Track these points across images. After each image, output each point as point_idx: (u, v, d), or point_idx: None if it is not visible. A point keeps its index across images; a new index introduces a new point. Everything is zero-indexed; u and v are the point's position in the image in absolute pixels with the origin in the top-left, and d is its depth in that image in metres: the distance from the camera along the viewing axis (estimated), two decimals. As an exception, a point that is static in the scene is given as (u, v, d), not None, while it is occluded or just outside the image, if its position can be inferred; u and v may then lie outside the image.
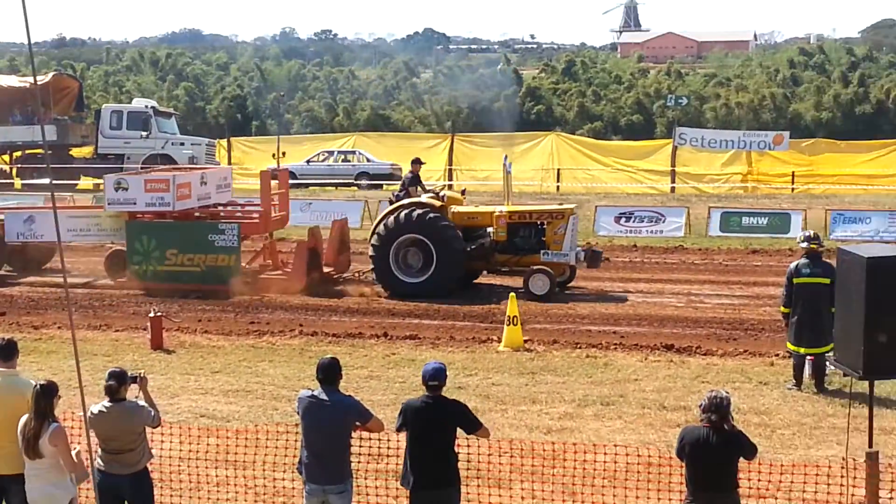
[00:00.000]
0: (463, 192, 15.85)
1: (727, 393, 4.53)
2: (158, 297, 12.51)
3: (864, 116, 33.03)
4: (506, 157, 15.02)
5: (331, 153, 27.12)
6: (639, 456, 5.84)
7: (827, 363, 7.82)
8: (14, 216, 14.28)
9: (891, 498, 4.91)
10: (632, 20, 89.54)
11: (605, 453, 5.95)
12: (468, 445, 5.30)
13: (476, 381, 9.11)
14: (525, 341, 10.56)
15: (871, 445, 4.78)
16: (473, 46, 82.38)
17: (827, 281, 7.91)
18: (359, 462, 5.48)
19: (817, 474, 5.39)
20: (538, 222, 13.66)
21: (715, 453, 4.33)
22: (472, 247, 13.45)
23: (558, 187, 24.88)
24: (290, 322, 12.03)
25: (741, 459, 4.50)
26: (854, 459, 4.86)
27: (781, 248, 17.36)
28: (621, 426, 7.79)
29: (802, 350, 8.70)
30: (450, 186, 20.37)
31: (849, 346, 4.91)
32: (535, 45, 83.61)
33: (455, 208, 13.66)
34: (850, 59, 41.60)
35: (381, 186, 24.39)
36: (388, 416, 5.50)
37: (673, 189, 24.71)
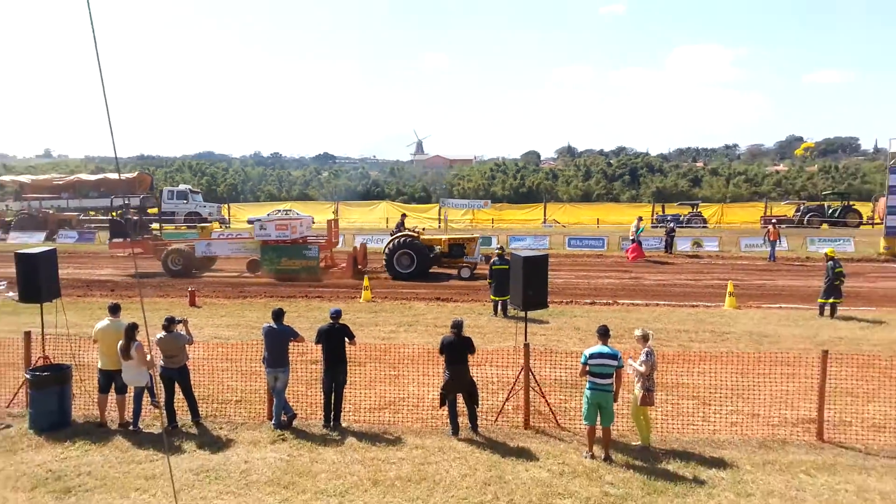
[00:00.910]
0: (423, 230, 27.35)
1: (462, 318, 10.03)
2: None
3: (525, 193, 61.42)
4: (441, 207, 25.37)
5: (279, 211, 43.31)
6: (426, 350, 11.94)
7: (508, 303, 15.03)
8: (200, 243, 24.95)
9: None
10: (420, 148, 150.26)
11: (411, 348, 12.05)
12: (355, 350, 10.83)
13: (349, 316, 15.67)
14: (372, 297, 19.33)
15: (525, 339, 11.21)
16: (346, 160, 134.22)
17: (507, 267, 15.15)
18: (293, 356, 10.68)
19: (504, 356, 12.01)
20: (462, 243, 24.42)
21: (457, 347, 9.59)
22: (433, 255, 23.85)
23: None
24: (261, 291, 21.31)
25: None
26: (518, 348, 11.42)
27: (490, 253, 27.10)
28: (417, 336, 14.60)
29: (497, 298, 16.87)
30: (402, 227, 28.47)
31: (517, 295, 11.09)
32: (374, 160, 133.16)
33: (423, 236, 24.88)
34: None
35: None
36: (311, 335, 10.83)
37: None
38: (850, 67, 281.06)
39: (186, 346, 9.93)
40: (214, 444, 9.19)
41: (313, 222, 28.05)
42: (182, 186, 48.98)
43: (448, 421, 9.47)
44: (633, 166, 72.28)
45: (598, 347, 8.58)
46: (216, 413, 10.31)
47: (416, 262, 23.58)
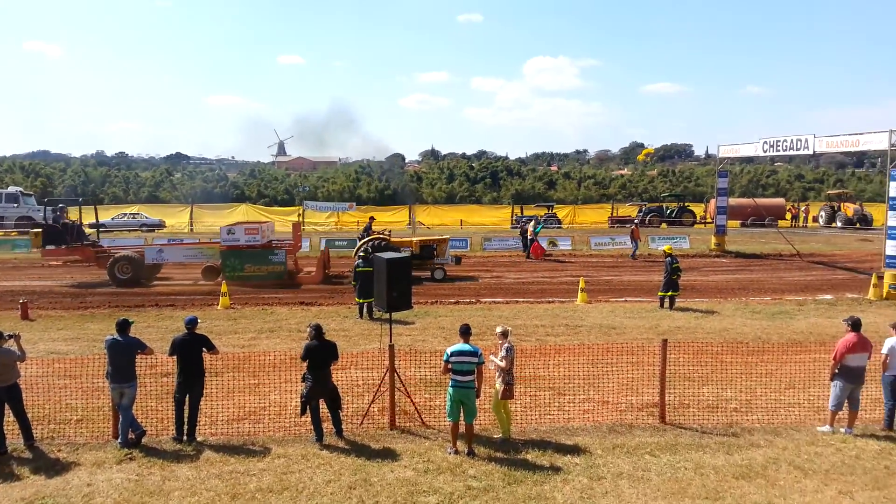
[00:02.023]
0: (390, 233, 26.03)
1: (319, 323, 9.62)
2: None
3: (391, 195, 61.09)
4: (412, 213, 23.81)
5: (125, 214, 43.84)
6: (289, 356, 11.62)
7: (373, 305, 14.97)
8: (150, 249, 23.80)
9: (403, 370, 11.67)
10: (282, 150, 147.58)
11: (273, 355, 11.67)
12: (212, 360, 10.29)
13: (206, 325, 14.80)
14: (231, 304, 18.73)
15: (391, 340, 11.25)
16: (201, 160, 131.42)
17: (371, 269, 15.04)
18: (142, 370, 9.97)
19: (369, 358, 11.94)
20: (433, 244, 24.29)
21: (319, 352, 9.24)
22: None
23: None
24: (105, 301, 19.76)
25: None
26: (383, 349, 11.40)
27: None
28: (280, 342, 14.11)
29: (362, 300, 16.70)
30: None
31: (382, 297, 11.14)
32: (233, 161, 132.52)
33: (394, 238, 24.36)
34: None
35: (153, 230, 41.53)
36: (163, 347, 10.16)
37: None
38: (683, 81, 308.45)
39: (18, 362, 8.98)
40: (52, 467, 8.39)
41: (164, 226, 26.49)
42: (12, 188, 44.54)
43: (312, 428, 9.26)
44: (493, 169, 74.70)
45: (460, 345, 8.76)
46: (53, 434, 9.42)
47: None
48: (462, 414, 8.73)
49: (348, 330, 15.60)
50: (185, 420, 9.23)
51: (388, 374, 9.75)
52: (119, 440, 9.03)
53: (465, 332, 8.88)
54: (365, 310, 16.93)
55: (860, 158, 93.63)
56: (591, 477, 8.10)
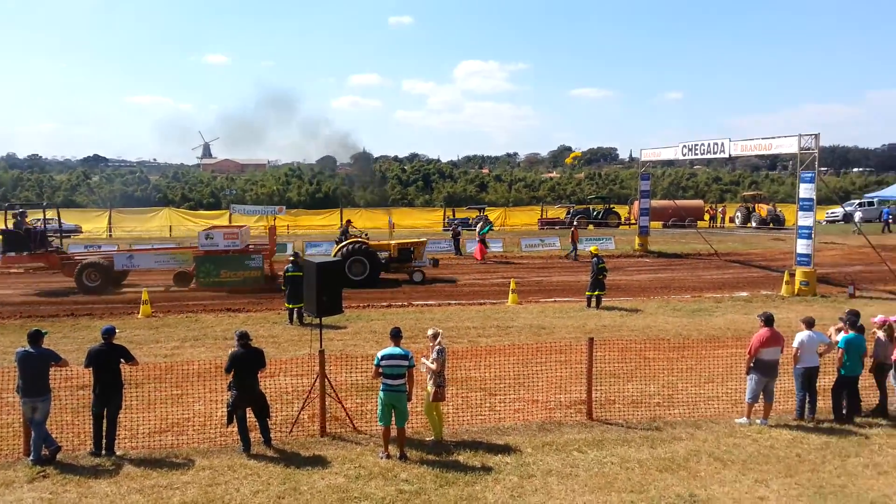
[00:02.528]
0: (367, 236, 25.47)
1: (246, 330, 9.42)
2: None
3: (322, 198, 61.11)
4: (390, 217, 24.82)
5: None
6: (215, 364, 11.27)
7: (304, 311, 14.72)
8: (119, 255, 23.10)
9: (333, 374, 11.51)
10: (207, 152, 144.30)
11: (197, 364, 11.30)
12: (132, 371, 9.86)
13: (125, 334, 14.39)
14: (152, 312, 17.94)
15: (321, 345, 11.09)
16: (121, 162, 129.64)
17: (301, 273, 14.86)
18: (56, 382, 9.47)
19: (299, 364, 11.73)
20: (411, 247, 24.26)
21: (246, 360, 8.96)
22: (383, 260, 23.39)
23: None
24: (15, 311, 18.69)
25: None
26: (313, 355, 11.22)
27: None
28: (205, 350, 13.70)
29: (292, 305, 16.47)
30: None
31: (312, 302, 10.96)
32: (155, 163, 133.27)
33: (372, 241, 23.98)
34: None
35: (69, 236, 36.79)
36: (79, 358, 9.68)
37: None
38: (608, 86, 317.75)
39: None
40: (-47, 492, 7.85)
41: (80, 231, 25.31)
42: None
43: (239, 438, 9.02)
44: (425, 172, 74.96)
45: (390, 349, 8.72)
46: (-44, 456, 8.83)
47: (368, 269, 22.82)
48: (393, 418, 8.69)
49: (278, 336, 15.28)
50: (104, 434, 8.83)
51: (318, 380, 9.60)
52: (31, 457, 8.55)
53: (396, 336, 8.85)
54: (295, 315, 16.64)
55: (773, 161, 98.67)
56: (521, 475, 8.21)
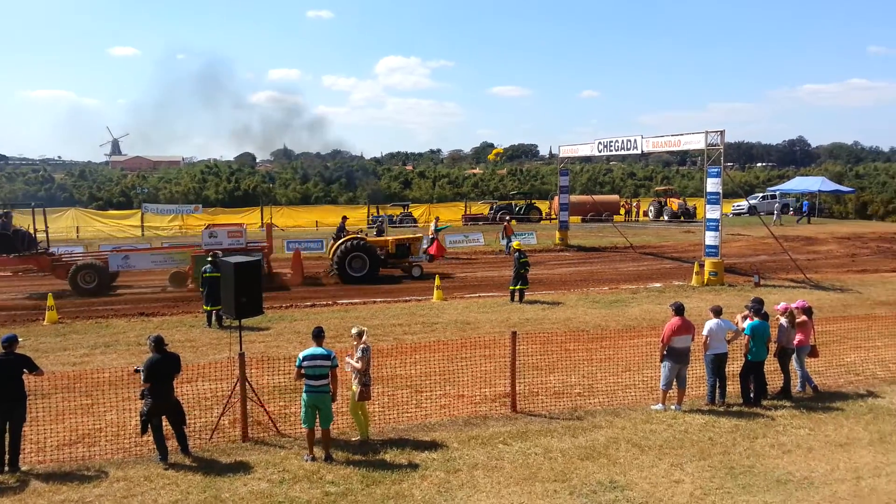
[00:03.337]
0: (366, 234, 25.56)
1: (160, 334, 8.96)
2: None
3: (241, 196, 59.57)
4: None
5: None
6: (129, 372, 10.75)
7: (222, 313, 14.28)
8: (114, 256, 22.40)
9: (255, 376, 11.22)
10: (117, 148, 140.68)
11: (109, 371, 10.78)
12: (37, 381, 9.29)
13: (29, 343, 14.03)
14: (59, 318, 17.08)
15: (241, 348, 10.77)
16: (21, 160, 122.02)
17: (219, 274, 14.41)
18: None
19: (219, 368, 11.37)
20: (408, 243, 24.65)
21: (161, 366, 8.54)
22: (381, 256, 23.52)
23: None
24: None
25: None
26: (233, 358, 10.89)
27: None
28: (117, 357, 13.11)
29: (210, 308, 16.07)
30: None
31: (229, 304, 10.51)
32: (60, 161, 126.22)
33: (369, 238, 24.14)
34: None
35: None
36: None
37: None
38: (527, 85, 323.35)
39: None
40: None
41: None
42: None
43: (155, 447, 8.66)
44: (348, 169, 74.10)
45: (312, 349, 8.59)
46: None
47: (368, 265, 23.01)
48: (318, 419, 8.56)
49: (196, 340, 14.77)
50: (6, 449, 8.30)
51: (238, 383, 9.34)
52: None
53: (318, 336, 8.73)
54: (213, 318, 16.13)
55: (683, 157, 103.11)
56: (448, 470, 8.26)
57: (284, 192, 63.90)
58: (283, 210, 50.23)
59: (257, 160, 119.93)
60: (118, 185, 64.56)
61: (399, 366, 12.27)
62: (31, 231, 22.44)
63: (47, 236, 23.42)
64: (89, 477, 8.14)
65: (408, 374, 11.81)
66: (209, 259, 16.69)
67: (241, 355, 9.47)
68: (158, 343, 8.72)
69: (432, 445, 9.03)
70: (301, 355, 8.58)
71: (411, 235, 25.98)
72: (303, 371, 8.50)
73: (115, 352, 13.83)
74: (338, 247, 23.30)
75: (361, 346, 9.03)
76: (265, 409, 9.68)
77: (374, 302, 19.54)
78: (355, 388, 9.01)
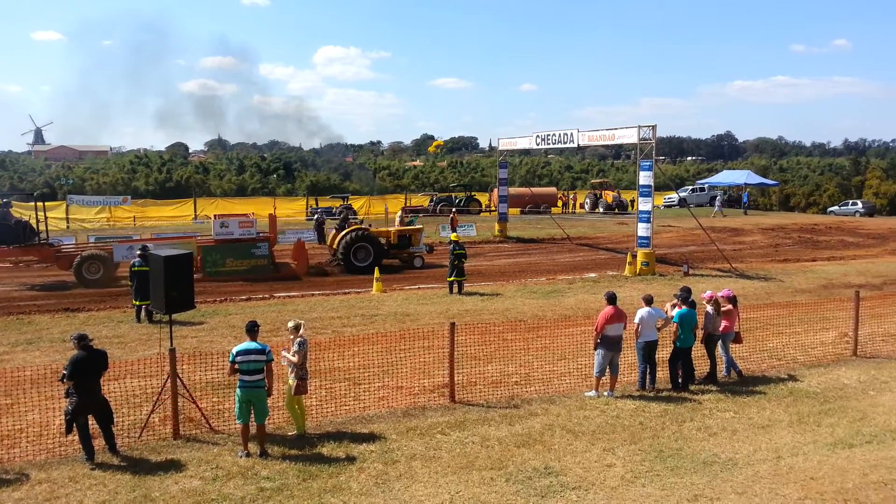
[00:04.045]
0: (370, 224, 25.93)
1: (84, 332, 8.66)
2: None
3: (173, 188, 58.04)
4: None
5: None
6: (52, 370, 10.33)
7: (152, 307, 13.85)
8: (119, 247, 21.93)
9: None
10: (40, 138, 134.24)
11: (31, 370, 10.30)
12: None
13: None
14: None
15: (171, 344, 10.45)
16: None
17: (147, 269, 13.98)
18: None
19: (149, 365, 11.02)
20: (408, 234, 24.96)
21: (87, 364, 8.19)
22: (385, 247, 23.97)
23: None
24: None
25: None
26: (164, 354, 10.59)
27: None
28: (40, 355, 12.62)
29: (139, 303, 15.49)
30: None
31: (159, 298, 10.18)
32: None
33: (372, 229, 24.38)
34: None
35: None
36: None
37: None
38: (467, 77, 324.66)
39: None
40: None
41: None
42: None
43: (81, 447, 8.33)
44: (287, 160, 72.85)
45: (246, 344, 8.43)
46: None
47: (372, 255, 23.29)
48: (252, 414, 8.41)
49: (124, 336, 14.25)
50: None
51: (168, 380, 9.07)
52: None
53: (252, 330, 8.58)
54: (143, 313, 15.60)
55: (618, 151, 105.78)
56: (385, 462, 8.26)
57: (219, 183, 62.29)
58: (217, 202, 48.92)
59: (190, 150, 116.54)
60: (41, 175, 61.69)
61: (338, 359, 12.17)
62: (34, 222, 22.03)
63: (46, 227, 23.12)
64: (8, 480, 7.78)
65: (346, 367, 11.73)
66: (138, 252, 16.11)
67: (172, 351, 9.21)
68: (82, 340, 8.38)
69: (370, 437, 9.00)
70: (234, 350, 8.41)
71: (412, 227, 26.45)
72: (236, 366, 8.33)
73: (37, 349, 13.21)
74: (342, 237, 23.62)
75: (298, 339, 8.91)
76: (197, 406, 9.44)
77: (313, 295, 19.30)
78: (291, 382, 8.90)
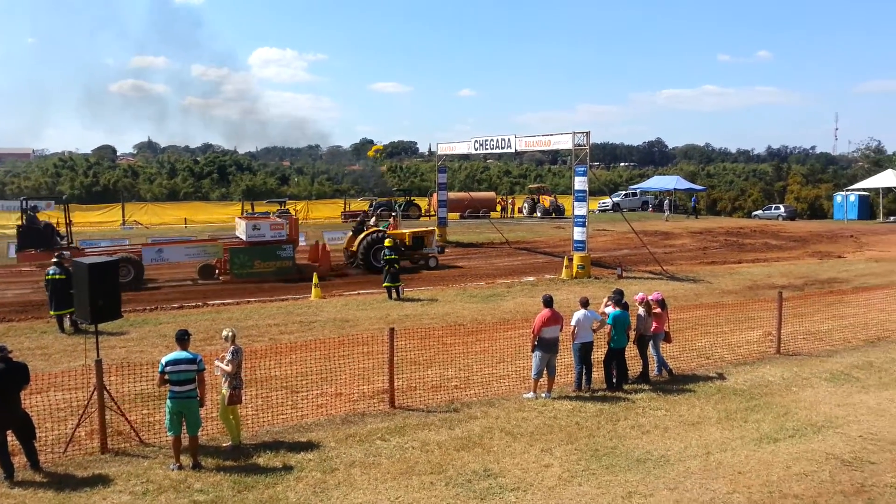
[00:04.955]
0: (386, 227, 25.99)
1: (2, 344, 8.23)
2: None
3: (101, 192, 56.37)
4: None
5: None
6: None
7: (76, 318, 13.28)
8: (148, 249, 22.37)
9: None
10: None
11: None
12: None
13: None
14: None
15: (98, 355, 10.06)
16: None
17: (64, 276, 13.49)
18: None
19: (74, 377, 10.55)
20: (422, 236, 25.65)
21: (7, 375, 7.75)
22: (402, 248, 24.02)
23: None
24: None
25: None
26: (90, 366, 10.15)
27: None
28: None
29: (59, 312, 14.91)
30: None
31: (84, 307, 9.74)
32: None
33: (390, 231, 24.67)
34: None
35: None
36: None
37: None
38: (406, 81, 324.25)
39: None
40: None
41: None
42: None
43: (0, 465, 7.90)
44: (221, 164, 71.12)
45: (176, 354, 8.18)
46: None
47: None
48: (184, 426, 8.16)
49: (47, 347, 13.61)
50: None
51: (94, 392, 8.71)
52: None
53: (182, 339, 8.33)
54: (67, 322, 14.90)
55: (555, 156, 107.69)
56: (324, 470, 8.15)
57: (149, 187, 60.29)
58: (146, 206, 47.35)
59: (118, 153, 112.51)
60: (-46, 179, 58.36)
61: (275, 366, 11.94)
62: (62, 225, 22.72)
63: (70, 230, 23.00)
64: (-83, 504, 7.31)
65: (284, 375, 11.52)
66: (54, 260, 15.37)
67: (98, 362, 8.85)
68: (2, 352, 7.96)
69: (308, 446, 8.87)
70: (164, 360, 8.14)
71: (425, 229, 27.03)
72: (166, 377, 8.07)
73: (-50, 364, 12.47)
74: (362, 239, 24.29)
75: (232, 348, 8.70)
76: (126, 418, 9.10)
77: (249, 302, 18.88)
78: (225, 391, 8.67)
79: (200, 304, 18.60)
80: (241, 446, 8.80)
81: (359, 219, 28.52)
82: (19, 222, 23.36)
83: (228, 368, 8.61)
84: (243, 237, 22.63)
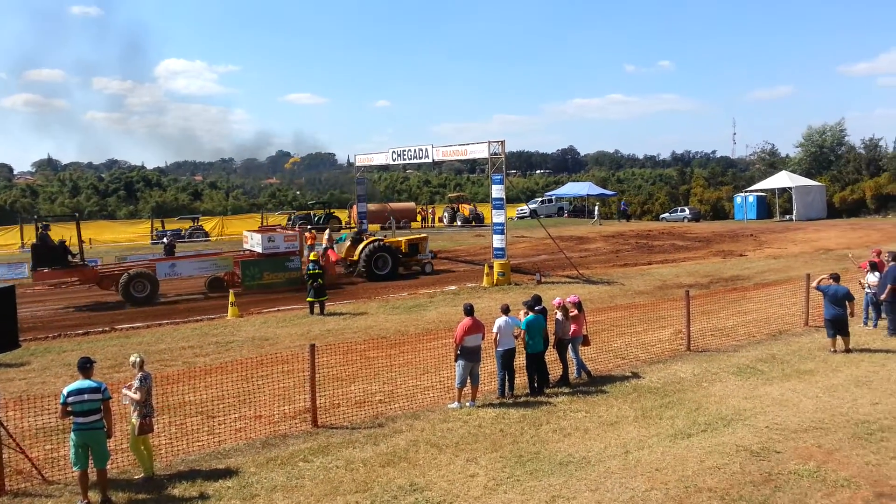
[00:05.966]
0: (385, 235, 28.51)
1: None
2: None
3: None
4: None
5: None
6: None
7: None
8: (162, 264, 22.98)
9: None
10: None
11: None
12: None
13: None
14: None
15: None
16: None
17: None
18: None
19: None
20: (416, 242, 26.92)
21: None
22: (399, 255, 25.76)
23: None
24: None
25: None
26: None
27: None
28: None
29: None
30: None
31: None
32: None
33: (387, 239, 26.42)
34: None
35: None
36: None
37: None
38: (322, 93, 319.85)
39: None
40: None
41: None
42: None
43: None
44: (128, 180, 68.14)
45: (79, 383, 7.72)
46: None
47: (390, 264, 25.26)
48: (91, 459, 7.70)
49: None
50: None
51: (-11, 430, 8.09)
52: None
53: (84, 367, 7.87)
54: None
55: (473, 165, 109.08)
56: (244, 497, 7.87)
57: (50, 206, 57.05)
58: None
59: (15, 172, 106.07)
60: None
61: (189, 391, 11.44)
62: (73, 244, 22.50)
63: (81, 248, 22.78)
64: None
65: (199, 400, 11.06)
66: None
67: (-7, 397, 8.23)
68: None
69: (227, 473, 8.54)
70: (66, 391, 7.67)
71: (419, 236, 28.12)
72: (69, 408, 7.60)
73: None
74: (363, 248, 25.14)
75: (140, 374, 8.29)
76: (27, 456, 8.49)
77: (160, 325, 18.09)
78: (134, 421, 8.24)
79: (108, 328, 17.68)
80: (155, 477, 8.38)
81: (356, 228, 30.30)
82: (33, 240, 23.23)
83: (136, 396, 8.19)
84: (259, 249, 23.20)
